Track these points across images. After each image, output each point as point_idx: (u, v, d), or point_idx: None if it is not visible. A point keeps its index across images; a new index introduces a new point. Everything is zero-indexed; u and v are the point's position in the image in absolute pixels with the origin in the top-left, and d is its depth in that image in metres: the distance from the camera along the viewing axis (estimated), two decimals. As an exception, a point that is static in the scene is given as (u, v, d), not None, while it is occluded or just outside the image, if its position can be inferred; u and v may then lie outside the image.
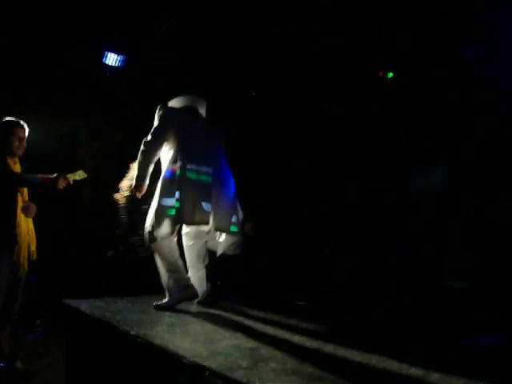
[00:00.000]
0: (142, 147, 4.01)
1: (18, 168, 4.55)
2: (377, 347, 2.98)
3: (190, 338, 3.05)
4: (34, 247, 4.63)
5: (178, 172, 3.90)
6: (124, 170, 5.51)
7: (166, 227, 3.90)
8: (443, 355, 2.95)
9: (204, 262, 4.32)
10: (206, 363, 2.50)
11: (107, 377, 3.35)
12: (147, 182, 4.05)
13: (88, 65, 7.44)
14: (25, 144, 4.60)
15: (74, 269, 7.94)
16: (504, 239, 6.47)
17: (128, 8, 6.86)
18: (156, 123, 4.09)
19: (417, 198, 7.91)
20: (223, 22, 7.10)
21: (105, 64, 7.41)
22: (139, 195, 4.06)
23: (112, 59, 7.41)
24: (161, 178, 4.01)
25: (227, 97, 8.53)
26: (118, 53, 7.48)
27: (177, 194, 3.85)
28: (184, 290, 4.04)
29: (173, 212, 3.86)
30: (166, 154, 4.07)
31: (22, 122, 4.62)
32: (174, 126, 4.07)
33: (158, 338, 2.99)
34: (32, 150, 4.80)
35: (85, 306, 3.83)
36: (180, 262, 4.10)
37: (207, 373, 2.42)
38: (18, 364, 4.72)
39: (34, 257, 4.65)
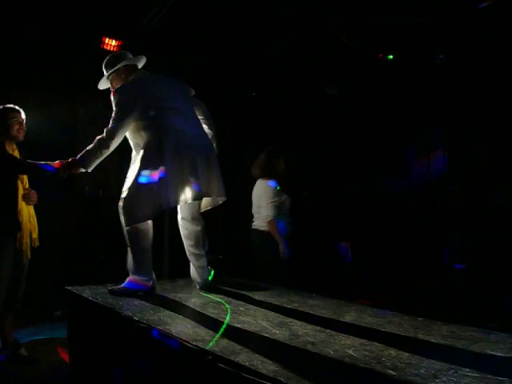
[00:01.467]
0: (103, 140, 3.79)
1: (16, 154, 4.54)
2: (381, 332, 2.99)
3: (193, 322, 3.05)
4: (35, 234, 4.63)
5: (157, 146, 3.72)
6: (123, 158, 5.45)
7: (148, 209, 3.72)
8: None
9: (204, 248, 4.15)
10: (209, 347, 2.51)
11: (111, 362, 3.37)
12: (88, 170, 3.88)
13: (86, 50, 7.40)
14: (24, 127, 4.59)
15: (77, 257, 7.96)
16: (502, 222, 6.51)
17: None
18: (115, 109, 3.81)
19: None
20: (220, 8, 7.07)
21: (103, 49, 7.36)
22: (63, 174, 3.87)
23: (109, 44, 7.36)
24: (139, 155, 3.79)
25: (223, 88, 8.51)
26: (115, 38, 7.43)
27: (161, 173, 3.64)
28: (145, 284, 3.96)
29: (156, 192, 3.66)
30: (135, 132, 3.86)
31: (17, 108, 4.61)
32: (136, 100, 3.79)
33: (161, 323, 2.99)
34: (30, 138, 4.78)
35: (87, 292, 3.84)
36: (150, 253, 3.99)
37: (210, 357, 2.43)
38: (23, 351, 4.74)
39: (36, 244, 4.65)
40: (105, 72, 4.07)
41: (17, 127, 4.51)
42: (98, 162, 3.87)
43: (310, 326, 3.02)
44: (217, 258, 4.74)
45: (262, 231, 5.47)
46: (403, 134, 8.72)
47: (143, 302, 3.62)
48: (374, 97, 8.34)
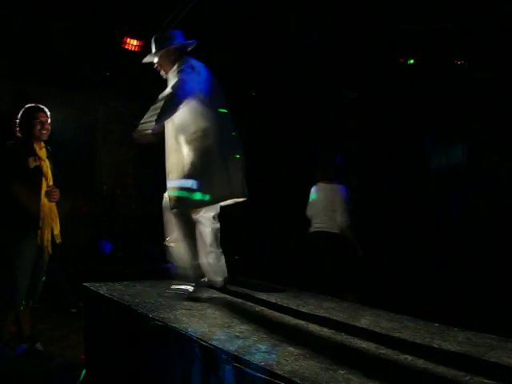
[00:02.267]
0: (173, 94, 3.68)
1: (43, 152, 4.59)
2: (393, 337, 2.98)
3: (209, 321, 3.06)
4: (57, 231, 4.66)
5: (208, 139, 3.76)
6: (140, 157, 5.50)
7: (203, 199, 3.76)
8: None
9: (219, 246, 4.16)
10: (225, 347, 2.52)
11: (126, 359, 3.39)
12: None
13: (107, 49, 7.47)
14: (48, 127, 4.62)
15: (93, 255, 8.01)
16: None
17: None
18: (182, 76, 3.71)
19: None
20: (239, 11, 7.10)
21: (124, 49, 7.42)
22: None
23: (131, 44, 7.42)
24: (189, 143, 3.78)
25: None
26: (137, 38, 7.49)
27: (215, 167, 3.74)
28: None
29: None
30: (184, 118, 3.80)
31: (42, 107, 4.65)
32: (197, 85, 3.77)
33: (177, 321, 3.01)
34: (53, 136, 4.81)
35: (104, 289, 3.87)
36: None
37: (224, 356, 2.44)
38: (39, 346, 4.78)
39: (59, 240, 4.68)
40: (158, 45, 3.94)
41: (39, 127, 4.54)
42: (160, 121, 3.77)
43: (325, 329, 3.01)
44: (233, 259, 4.73)
45: (335, 234, 5.63)
46: (422, 139, 8.69)
47: (159, 299, 3.63)
48: (394, 101, 8.31)
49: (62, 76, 7.98)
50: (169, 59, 3.93)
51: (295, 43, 7.92)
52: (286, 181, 9.41)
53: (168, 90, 3.78)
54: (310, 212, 5.93)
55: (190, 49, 4.07)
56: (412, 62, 7.59)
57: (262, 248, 8.17)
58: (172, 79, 3.82)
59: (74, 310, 6.50)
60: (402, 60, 7.65)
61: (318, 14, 7.07)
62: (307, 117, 9.15)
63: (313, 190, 5.93)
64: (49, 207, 4.55)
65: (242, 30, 7.56)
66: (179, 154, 3.83)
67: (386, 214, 7.83)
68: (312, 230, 5.85)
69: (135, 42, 7.45)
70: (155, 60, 4.00)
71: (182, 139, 3.83)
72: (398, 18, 6.89)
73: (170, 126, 3.86)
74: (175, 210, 3.79)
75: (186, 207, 3.80)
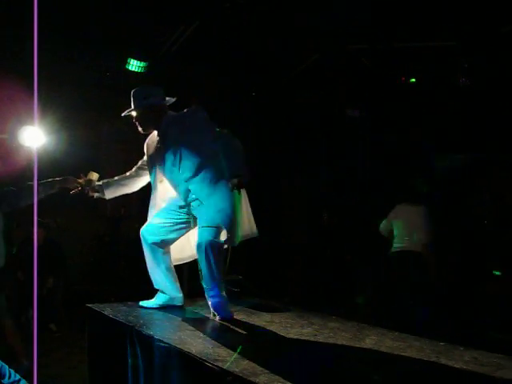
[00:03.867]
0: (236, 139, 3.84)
1: None
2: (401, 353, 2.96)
3: (214, 342, 3.05)
4: None
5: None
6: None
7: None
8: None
9: None
10: (230, 368, 2.50)
11: (130, 380, 3.37)
12: None
13: (111, 70, 7.53)
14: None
15: (97, 275, 8.00)
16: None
17: (150, 15, 6.93)
18: (207, 124, 3.90)
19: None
20: (242, 30, 7.15)
21: (128, 70, 7.48)
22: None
23: (135, 65, 7.49)
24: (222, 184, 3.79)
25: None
26: (140, 59, 7.55)
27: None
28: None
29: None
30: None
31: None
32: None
33: (181, 342, 2.99)
34: (54, 156, 4.81)
35: (108, 310, 3.85)
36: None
37: (230, 377, 2.43)
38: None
39: None
40: (138, 101, 3.97)
41: None
42: None
43: (330, 349, 3.00)
44: (237, 279, 4.73)
45: (419, 253, 5.94)
46: (424, 156, 8.68)
47: (164, 320, 3.63)
48: (395, 120, 8.33)
49: (65, 95, 8.02)
50: (149, 115, 3.95)
51: (296, 63, 7.97)
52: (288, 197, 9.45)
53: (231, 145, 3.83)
54: (387, 231, 6.35)
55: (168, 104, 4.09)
56: (414, 80, 7.62)
57: (267, 267, 8.16)
58: (180, 134, 3.85)
59: (52, 326, 6.54)
60: (403, 79, 7.68)
61: (318, 33, 7.12)
62: (312, 136, 9.18)
63: (396, 210, 6.30)
64: None
65: (243, 49, 7.61)
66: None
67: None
68: (395, 250, 6.20)
69: (139, 63, 7.52)
70: (134, 114, 4.01)
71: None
72: (400, 36, 6.94)
73: None
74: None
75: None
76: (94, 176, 4.20)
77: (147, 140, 4.13)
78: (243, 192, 3.91)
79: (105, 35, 7.18)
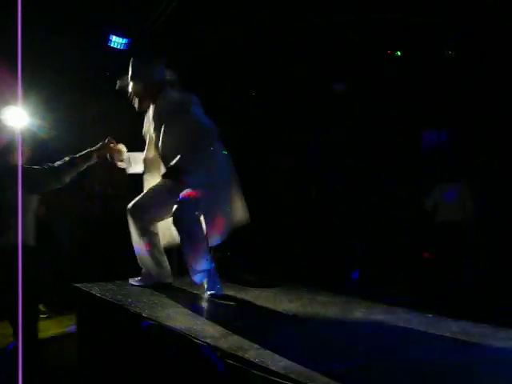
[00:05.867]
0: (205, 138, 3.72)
1: None
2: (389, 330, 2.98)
3: (202, 319, 3.06)
4: None
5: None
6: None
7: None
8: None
9: None
10: (219, 344, 2.50)
11: (120, 359, 3.37)
12: None
13: (93, 48, 7.42)
14: None
15: (86, 254, 7.97)
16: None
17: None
18: (197, 119, 3.76)
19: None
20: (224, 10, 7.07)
21: (110, 47, 7.38)
22: None
23: (117, 42, 7.38)
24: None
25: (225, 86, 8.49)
26: (122, 36, 7.45)
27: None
28: None
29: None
30: None
31: None
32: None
33: (170, 319, 2.99)
34: (40, 140, 4.74)
35: (96, 289, 3.84)
36: None
37: (219, 353, 2.42)
38: None
39: None
40: (141, 75, 3.89)
41: None
42: None
43: (319, 323, 3.01)
44: (226, 255, 4.74)
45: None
46: (410, 132, 8.68)
47: (152, 298, 3.61)
48: (381, 94, 8.31)
49: (50, 76, 7.92)
50: (150, 91, 3.87)
51: (282, 37, 7.89)
52: (282, 178, 9.42)
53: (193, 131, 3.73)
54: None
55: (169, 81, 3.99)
56: (399, 53, 7.60)
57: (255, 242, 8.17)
58: (170, 115, 3.77)
59: (41, 307, 6.51)
60: (389, 52, 7.65)
61: (305, 6, 7.05)
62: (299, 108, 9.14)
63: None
64: None
65: (224, 29, 7.53)
66: None
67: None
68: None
69: (122, 40, 7.41)
70: (130, 88, 3.92)
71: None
72: (385, 8, 6.89)
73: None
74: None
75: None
76: (124, 148, 4.13)
77: (146, 114, 4.05)
78: (235, 178, 3.92)
79: (87, 12, 7.07)
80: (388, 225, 8.04)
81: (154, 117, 3.90)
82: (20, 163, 3.94)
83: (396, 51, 7.60)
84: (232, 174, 3.94)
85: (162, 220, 3.98)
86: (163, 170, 3.89)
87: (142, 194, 4.02)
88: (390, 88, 8.07)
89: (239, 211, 3.95)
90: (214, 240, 3.80)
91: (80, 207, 8.61)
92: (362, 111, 8.53)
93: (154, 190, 3.96)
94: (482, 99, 7.44)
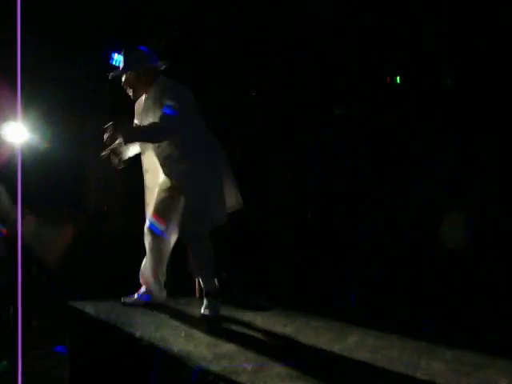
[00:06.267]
0: (165, 124, 3.65)
1: None
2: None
3: (195, 341, 3.03)
4: None
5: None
6: (130, 175, 5.44)
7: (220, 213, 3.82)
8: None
9: None
10: (211, 367, 2.49)
11: (112, 379, 3.34)
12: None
13: (95, 66, 7.48)
14: None
15: (80, 272, 7.95)
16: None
17: (135, 12, 6.90)
18: (176, 101, 3.68)
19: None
20: (225, 30, 7.14)
21: (112, 65, 7.43)
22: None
23: (119, 60, 7.43)
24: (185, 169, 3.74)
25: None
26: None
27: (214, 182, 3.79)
28: None
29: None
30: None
31: None
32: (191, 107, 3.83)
33: (163, 340, 2.97)
34: (42, 152, 4.76)
35: (89, 307, 3.82)
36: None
37: (211, 377, 2.41)
38: None
39: None
40: (133, 62, 3.85)
41: None
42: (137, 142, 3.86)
43: (312, 348, 2.99)
44: (220, 276, 4.70)
45: None
46: (407, 154, 8.73)
47: (146, 319, 3.60)
48: (380, 119, 8.37)
49: (52, 93, 7.96)
50: (143, 78, 3.85)
51: (284, 60, 7.97)
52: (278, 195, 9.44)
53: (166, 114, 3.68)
54: None
55: (162, 69, 3.98)
56: (398, 80, 7.66)
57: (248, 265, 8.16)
58: (157, 100, 3.77)
59: (33, 322, 6.49)
60: (388, 78, 7.72)
61: (305, 29, 7.13)
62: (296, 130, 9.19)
63: None
64: None
65: (232, 43, 7.61)
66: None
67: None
68: None
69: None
70: (124, 78, 3.91)
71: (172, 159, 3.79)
72: (386, 37, 6.97)
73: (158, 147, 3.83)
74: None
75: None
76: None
77: (136, 104, 4.03)
78: (226, 165, 3.92)
79: (89, 31, 7.14)
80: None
81: (145, 104, 3.88)
82: None
83: (395, 77, 7.67)
84: (223, 160, 3.94)
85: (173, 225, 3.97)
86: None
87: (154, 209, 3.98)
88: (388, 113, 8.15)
89: (232, 197, 3.92)
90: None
91: (76, 224, 8.60)
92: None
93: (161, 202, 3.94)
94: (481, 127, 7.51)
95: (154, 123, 3.71)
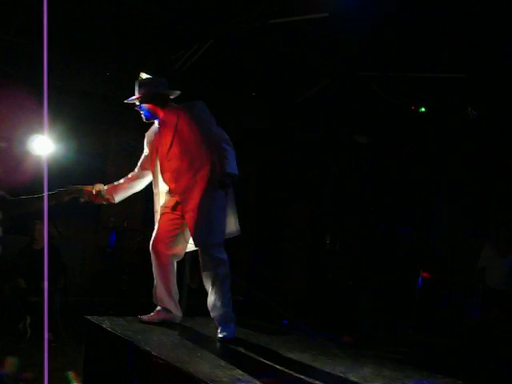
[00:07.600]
0: (228, 145, 3.81)
1: None
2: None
3: (211, 362, 3.04)
4: None
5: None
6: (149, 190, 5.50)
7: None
8: None
9: None
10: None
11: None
12: None
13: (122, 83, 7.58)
14: None
15: (98, 287, 7.99)
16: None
17: (161, 33, 7.00)
18: (209, 117, 3.96)
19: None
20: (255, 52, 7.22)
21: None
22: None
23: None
24: (206, 181, 3.81)
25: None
26: (151, 74, 7.60)
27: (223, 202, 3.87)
28: None
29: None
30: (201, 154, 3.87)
31: None
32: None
33: (179, 360, 2.98)
34: (63, 167, 4.82)
35: (107, 323, 3.84)
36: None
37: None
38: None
39: None
40: (146, 89, 4.01)
41: None
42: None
43: (328, 377, 2.98)
44: (236, 299, 4.72)
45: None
46: (432, 186, 8.71)
47: (162, 337, 3.61)
48: (404, 148, 8.38)
49: (77, 107, 8.08)
50: (153, 105, 3.98)
51: (307, 87, 8.03)
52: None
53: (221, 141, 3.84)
54: None
55: (173, 97, 4.12)
56: (423, 109, 7.66)
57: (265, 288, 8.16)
58: (185, 120, 3.90)
59: (20, 326, 6.48)
60: (413, 108, 7.72)
61: (330, 59, 7.18)
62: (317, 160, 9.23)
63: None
64: None
65: (255, 72, 7.68)
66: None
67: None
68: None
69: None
70: (137, 102, 4.04)
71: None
72: (412, 65, 6.98)
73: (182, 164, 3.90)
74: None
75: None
76: (102, 187, 4.20)
77: (147, 133, 4.18)
78: (229, 190, 3.93)
79: (116, 48, 7.26)
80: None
81: (160, 129, 4.01)
82: None
83: (420, 107, 7.67)
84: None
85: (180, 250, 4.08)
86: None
87: (158, 227, 4.04)
88: (412, 143, 8.15)
89: (231, 224, 4.02)
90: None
91: (94, 239, 8.67)
92: (382, 164, 8.59)
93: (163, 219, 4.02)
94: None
95: (221, 149, 3.79)
